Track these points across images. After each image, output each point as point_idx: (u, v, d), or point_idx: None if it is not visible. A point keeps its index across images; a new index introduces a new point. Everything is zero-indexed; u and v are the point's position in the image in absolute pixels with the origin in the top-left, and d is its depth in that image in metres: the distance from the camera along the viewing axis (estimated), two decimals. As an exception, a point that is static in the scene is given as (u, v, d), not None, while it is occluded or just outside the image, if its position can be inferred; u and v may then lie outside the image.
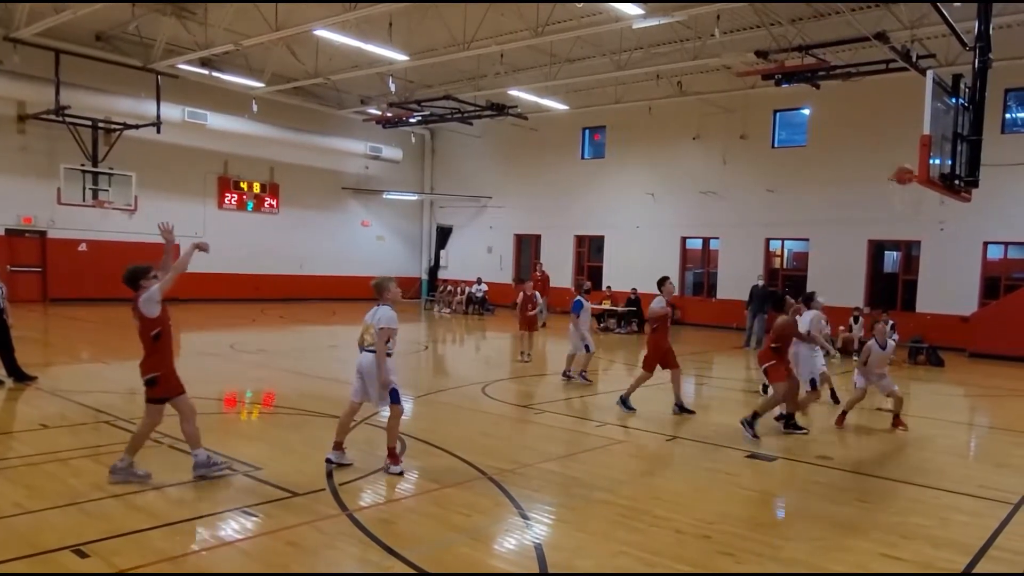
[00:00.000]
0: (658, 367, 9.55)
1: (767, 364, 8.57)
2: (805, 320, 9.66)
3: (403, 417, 6.47)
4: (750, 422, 8.22)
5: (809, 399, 9.37)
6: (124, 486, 5.58)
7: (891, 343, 9.53)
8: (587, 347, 11.53)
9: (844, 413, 9.30)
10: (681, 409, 9.47)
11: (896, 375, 15.16)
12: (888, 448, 8.40)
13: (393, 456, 6.27)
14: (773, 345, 8.61)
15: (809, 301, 10.20)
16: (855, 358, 16.97)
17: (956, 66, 15.42)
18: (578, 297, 11.82)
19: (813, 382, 9.33)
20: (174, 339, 5.98)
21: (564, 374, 11.82)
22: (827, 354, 9.97)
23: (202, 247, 5.86)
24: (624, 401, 9.47)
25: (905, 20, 15.62)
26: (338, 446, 6.34)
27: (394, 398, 6.16)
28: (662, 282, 9.60)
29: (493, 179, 29.66)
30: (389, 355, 6.17)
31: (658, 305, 9.50)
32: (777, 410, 8.81)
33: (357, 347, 6.30)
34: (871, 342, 9.29)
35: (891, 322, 16.91)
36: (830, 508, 5.92)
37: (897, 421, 9.17)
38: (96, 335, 16.47)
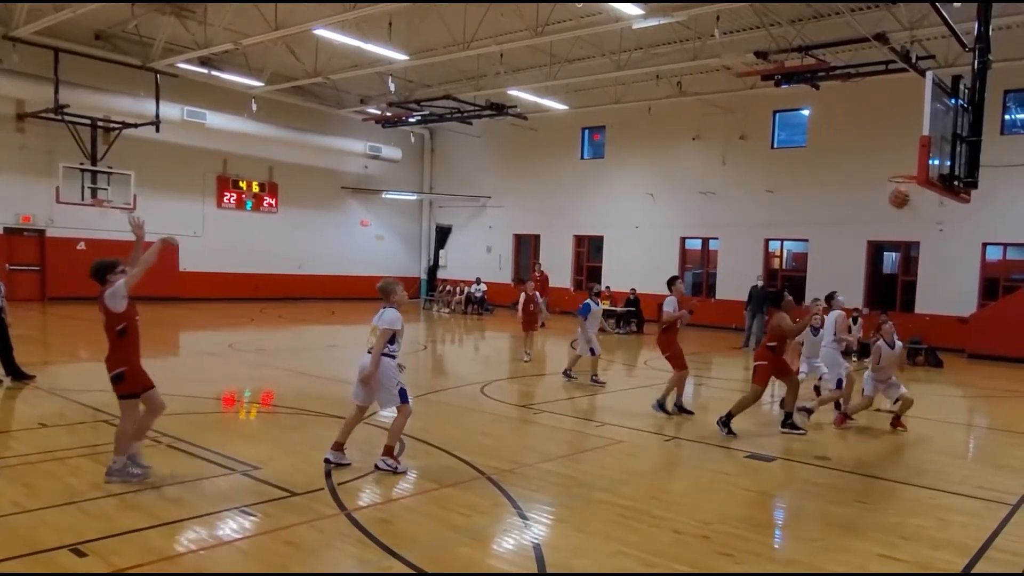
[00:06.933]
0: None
1: (758, 363, 8.53)
2: (829, 320, 9.81)
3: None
4: (725, 422, 8.30)
5: (831, 397, 9.44)
6: (123, 485, 5.56)
7: (899, 343, 9.42)
8: (592, 350, 11.45)
9: (845, 416, 9.24)
10: (681, 410, 9.44)
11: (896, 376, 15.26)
12: (887, 449, 8.40)
13: (390, 453, 6.24)
14: (770, 344, 8.53)
15: (830, 300, 10.14)
16: (854, 359, 17.02)
17: (956, 67, 15.43)
18: (587, 300, 11.75)
19: (840, 382, 9.37)
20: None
21: (565, 372, 11.82)
22: (845, 353, 10.03)
23: (170, 242, 5.89)
24: (661, 405, 9.28)
25: (905, 21, 15.63)
26: (338, 447, 6.31)
27: (403, 397, 6.18)
28: (672, 282, 9.63)
29: (492, 179, 29.64)
30: (393, 357, 6.18)
31: (670, 307, 9.40)
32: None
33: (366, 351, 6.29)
34: (879, 342, 9.18)
35: (889, 323, 16.99)
36: (829, 508, 5.92)
37: (897, 421, 9.10)
38: (94, 334, 16.34)
